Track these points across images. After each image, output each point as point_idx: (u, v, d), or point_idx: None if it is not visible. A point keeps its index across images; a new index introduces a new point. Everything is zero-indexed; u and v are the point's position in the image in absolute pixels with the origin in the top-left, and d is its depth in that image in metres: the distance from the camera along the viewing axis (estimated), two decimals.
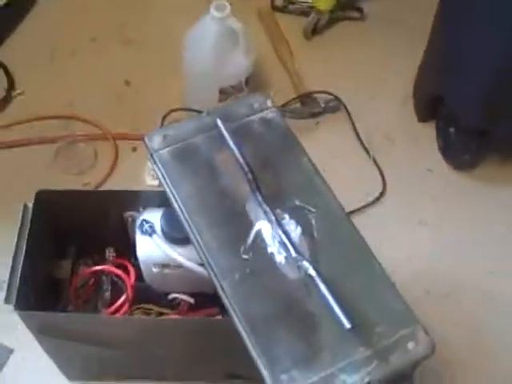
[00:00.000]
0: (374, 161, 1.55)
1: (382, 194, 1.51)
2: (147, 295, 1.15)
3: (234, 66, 1.44)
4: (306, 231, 0.99)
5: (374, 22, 1.80)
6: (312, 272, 0.93)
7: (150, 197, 1.12)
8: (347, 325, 0.89)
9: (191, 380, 1.19)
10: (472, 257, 1.42)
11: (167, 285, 1.14)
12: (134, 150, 1.53)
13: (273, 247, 0.97)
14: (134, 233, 1.14)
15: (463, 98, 1.44)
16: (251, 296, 0.94)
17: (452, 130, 1.53)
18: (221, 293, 0.96)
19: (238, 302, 0.94)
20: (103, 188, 1.43)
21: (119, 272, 1.13)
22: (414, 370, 0.93)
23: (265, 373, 0.89)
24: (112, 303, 1.14)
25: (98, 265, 1.19)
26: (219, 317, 1.15)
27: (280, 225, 0.98)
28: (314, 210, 1.01)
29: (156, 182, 1.47)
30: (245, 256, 0.97)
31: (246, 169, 1.01)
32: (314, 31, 1.77)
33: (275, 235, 0.98)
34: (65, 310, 1.15)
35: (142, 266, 1.11)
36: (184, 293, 1.16)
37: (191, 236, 1.00)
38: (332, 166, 1.47)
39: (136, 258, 1.14)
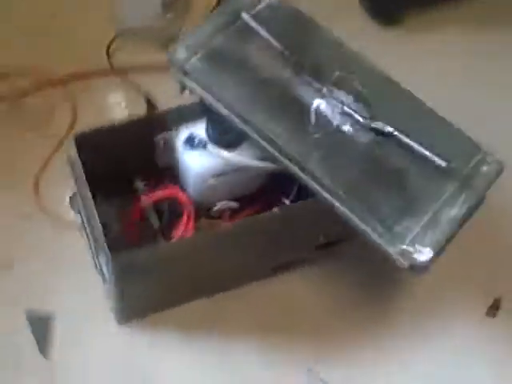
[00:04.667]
0: None
1: None
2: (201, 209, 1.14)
3: None
4: (357, 97, 1.03)
5: None
6: (389, 128, 0.98)
7: (180, 114, 1.09)
8: (443, 163, 0.96)
9: (241, 285, 1.21)
10: None
11: (214, 196, 1.14)
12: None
13: (336, 120, 1.01)
14: (168, 156, 1.12)
15: None
16: (336, 168, 0.98)
17: None
18: (304, 175, 0.98)
19: (326, 176, 0.97)
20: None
21: (178, 194, 1.10)
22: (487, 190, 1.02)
23: (377, 230, 0.94)
24: (172, 228, 1.11)
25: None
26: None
27: (334, 97, 1.01)
28: (355, 75, 1.04)
29: (125, 112, 1.42)
30: (315, 136, 0.99)
31: (287, 52, 1.02)
32: None
33: (333, 108, 1.01)
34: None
35: (194, 182, 1.09)
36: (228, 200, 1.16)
37: (253, 134, 1.01)
38: None
39: (174, 182, 1.12)
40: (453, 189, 0.97)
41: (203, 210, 1.16)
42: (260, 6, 1.08)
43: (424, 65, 1.50)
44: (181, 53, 1.02)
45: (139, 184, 1.16)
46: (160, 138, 1.11)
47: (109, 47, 1.46)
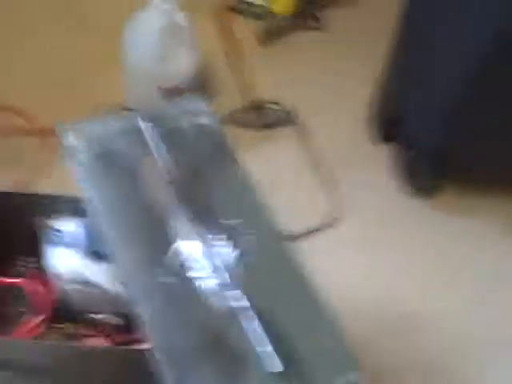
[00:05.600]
0: (327, 182, 1.43)
1: (334, 216, 1.39)
2: (67, 312, 1.00)
3: (176, 64, 1.30)
4: (241, 256, 0.86)
5: (333, 32, 1.69)
6: (245, 303, 0.81)
7: (64, 202, 0.98)
8: (279, 367, 0.76)
9: None
10: (424, 287, 1.32)
11: (87, 303, 1.00)
12: None
13: (202, 271, 0.84)
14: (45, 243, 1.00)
15: (424, 121, 1.35)
16: (172, 326, 0.81)
17: (412, 153, 1.43)
18: (138, 319, 0.82)
19: (157, 332, 0.80)
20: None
21: (35, 287, 0.98)
22: None
23: None
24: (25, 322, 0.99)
25: (8, 276, 1.04)
26: None
27: (212, 246, 0.86)
28: (250, 231, 0.88)
29: None
30: (168, 279, 0.84)
31: (170, 179, 0.88)
32: (270, 37, 1.65)
33: (206, 257, 0.85)
34: None
35: (54, 281, 0.97)
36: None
37: (109, 251, 0.87)
38: (281, 184, 1.36)
39: None
40: None
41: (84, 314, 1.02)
42: (187, 121, 0.95)
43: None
44: (72, 141, 0.91)
45: (20, 263, 1.04)
46: (38, 220, 0.99)
47: None
